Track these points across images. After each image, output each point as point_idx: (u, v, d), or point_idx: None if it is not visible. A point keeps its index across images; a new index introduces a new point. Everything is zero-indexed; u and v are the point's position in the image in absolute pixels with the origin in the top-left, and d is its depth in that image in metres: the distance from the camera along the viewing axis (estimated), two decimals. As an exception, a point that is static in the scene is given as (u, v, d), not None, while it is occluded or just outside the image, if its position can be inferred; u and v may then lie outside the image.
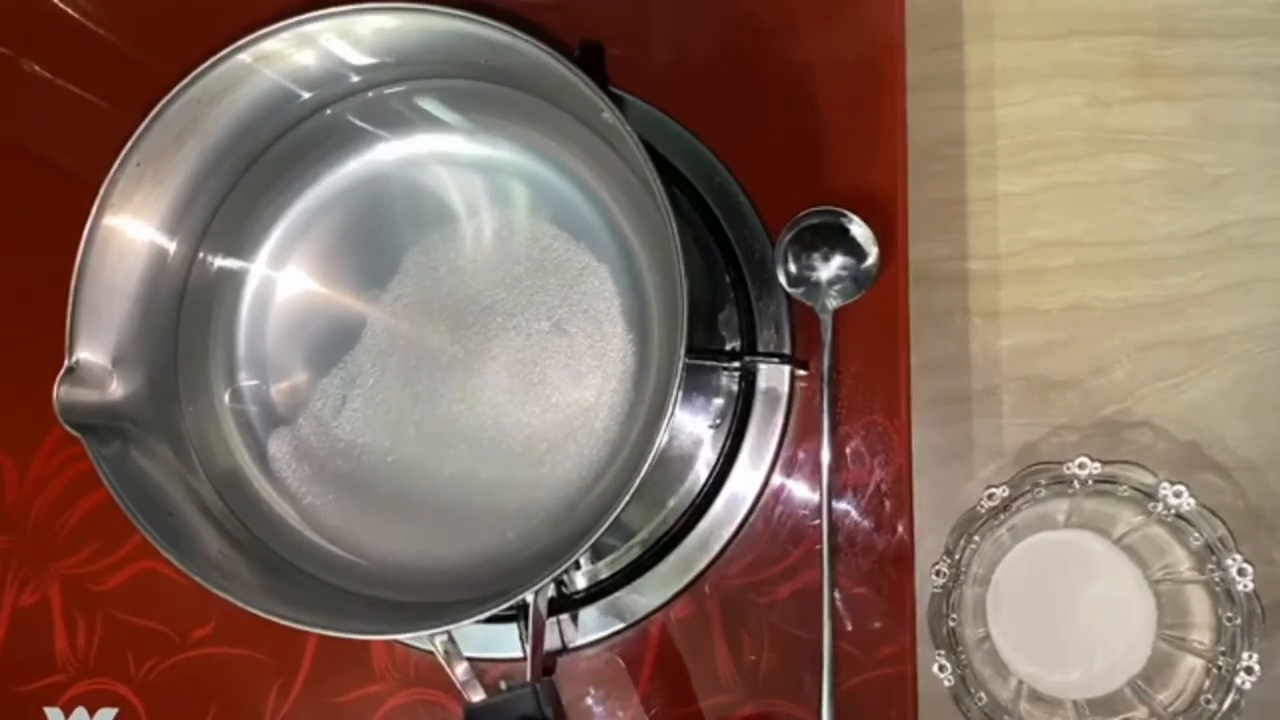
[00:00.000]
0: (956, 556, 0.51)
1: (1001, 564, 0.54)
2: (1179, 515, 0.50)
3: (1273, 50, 0.58)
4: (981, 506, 0.51)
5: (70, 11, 0.60)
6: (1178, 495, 0.50)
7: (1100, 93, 0.59)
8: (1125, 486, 0.51)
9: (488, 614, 0.41)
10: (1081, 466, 0.50)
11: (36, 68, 0.60)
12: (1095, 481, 0.51)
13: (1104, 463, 0.51)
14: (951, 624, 0.51)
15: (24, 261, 0.58)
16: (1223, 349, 0.57)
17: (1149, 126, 0.58)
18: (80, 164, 0.56)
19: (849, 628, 0.51)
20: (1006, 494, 0.51)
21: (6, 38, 0.60)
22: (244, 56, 0.42)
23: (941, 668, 0.50)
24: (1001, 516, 0.52)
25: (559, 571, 0.40)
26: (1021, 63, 0.59)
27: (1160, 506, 0.50)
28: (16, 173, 0.60)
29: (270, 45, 0.42)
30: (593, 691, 0.53)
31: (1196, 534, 0.50)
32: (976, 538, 0.51)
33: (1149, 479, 0.52)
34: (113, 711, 0.55)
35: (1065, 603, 0.53)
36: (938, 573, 0.51)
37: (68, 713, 0.55)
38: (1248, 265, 0.57)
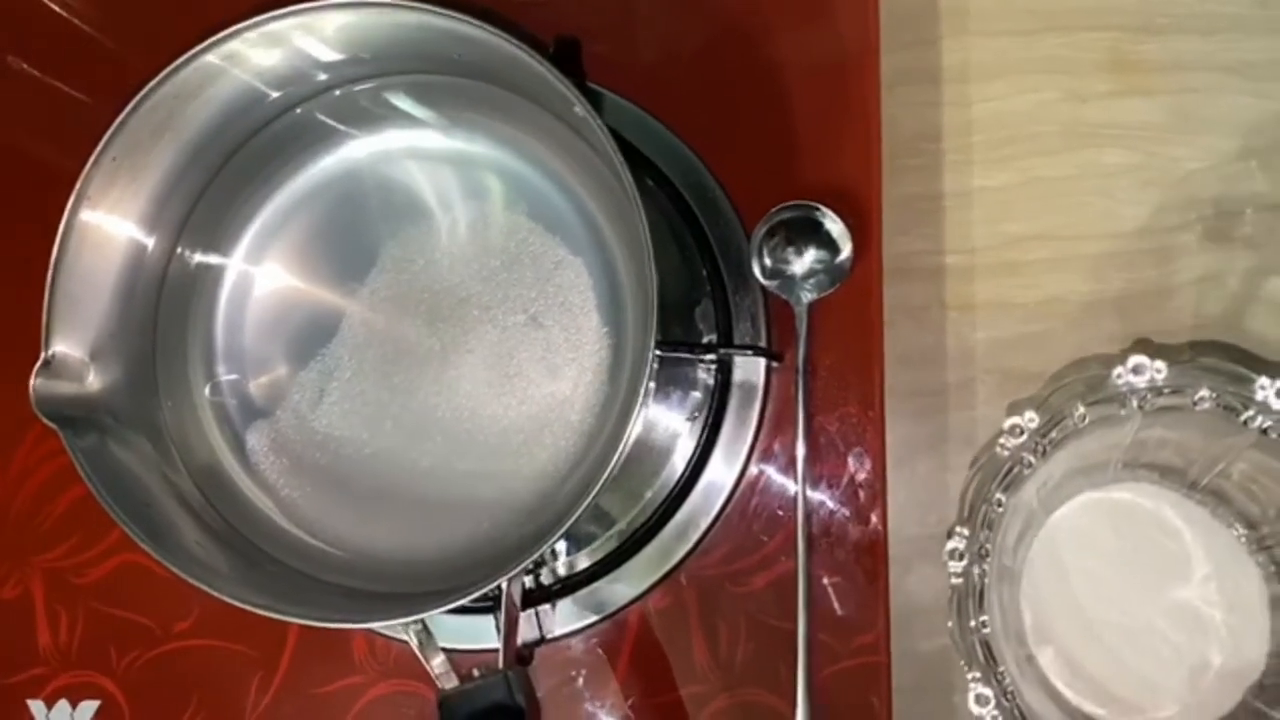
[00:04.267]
0: (977, 525, 0.38)
1: (1032, 546, 0.40)
2: None
3: (1246, 46, 0.59)
4: (1004, 446, 0.38)
5: (53, 7, 0.60)
6: None
7: (1076, 88, 0.59)
8: (1205, 396, 0.36)
9: (462, 603, 0.41)
10: (1138, 370, 0.36)
11: (24, 65, 0.60)
12: (1160, 393, 0.36)
13: (1171, 364, 0.36)
14: (984, 633, 0.37)
15: (4, 257, 0.57)
16: (1196, 342, 0.57)
17: (1124, 121, 0.59)
18: (61, 158, 0.56)
19: (824, 617, 0.52)
20: (1036, 424, 0.38)
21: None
22: (211, 57, 0.42)
23: (981, 699, 0.37)
24: (1031, 461, 0.38)
25: (530, 560, 0.41)
26: (998, 58, 0.60)
27: (1259, 417, 0.35)
28: (-2, 166, 0.60)
29: (236, 45, 0.42)
30: (571, 681, 0.53)
31: None
32: (1001, 495, 0.38)
33: (1233, 372, 0.36)
34: (95, 704, 0.55)
35: (1131, 598, 0.38)
36: (953, 554, 0.38)
37: (50, 705, 0.55)
38: (1220, 258, 0.58)
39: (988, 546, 0.38)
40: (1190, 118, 0.59)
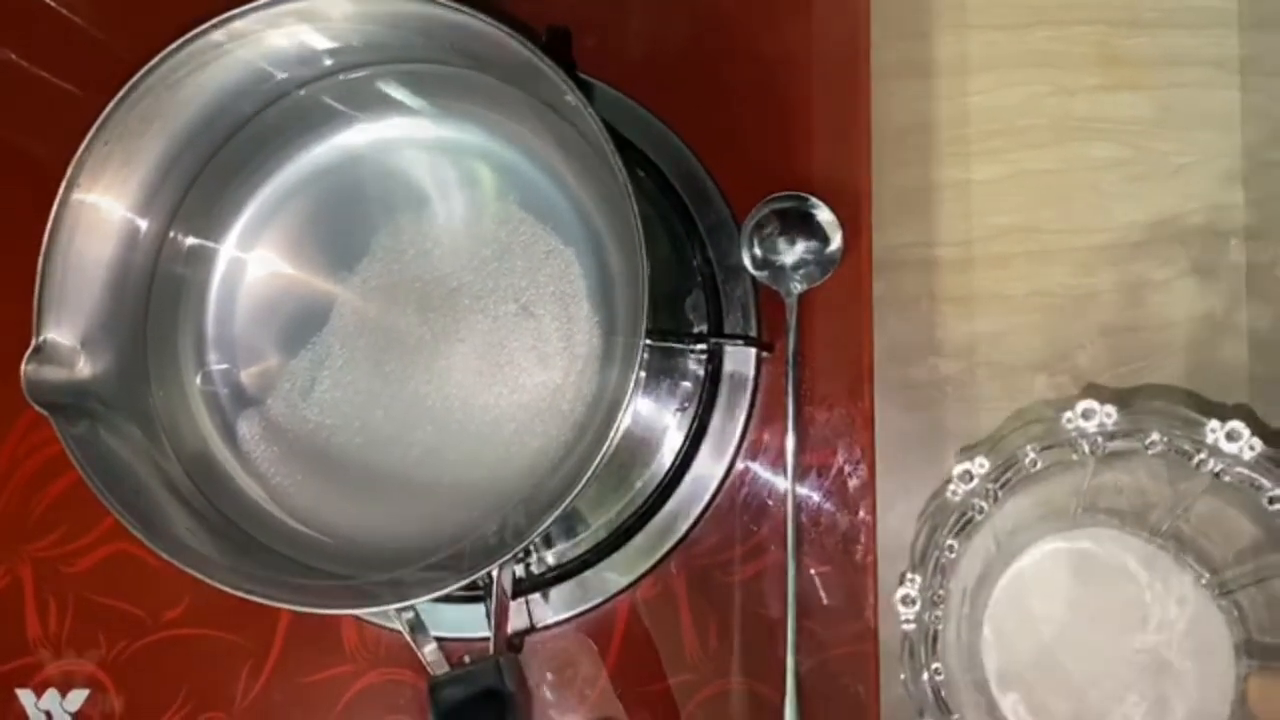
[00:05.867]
0: (929, 571, 0.38)
1: (994, 593, 0.41)
2: (1241, 470, 0.35)
3: (1233, 41, 0.59)
4: (955, 491, 0.39)
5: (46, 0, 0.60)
6: (1234, 438, 0.35)
7: (1065, 82, 0.60)
8: (1156, 440, 0.36)
9: (452, 591, 0.41)
10: (1087, 415, 0.36)
11: (12, 55, 0.60)
12: (1111, 438, 0.37)
13: (1121, 410, 0.37)
14: (938, 680, 0.38)
15: None
16: (1183, 335, 0.58)
17: (1113, 115, 0.59)
18: (51, 150, 0.56)
19: (813, 606, 0.52)
20: (986, 469, 0.39)
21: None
22: (203, 42, 0.43)
23: None
24: (983, 506, 0.39)
25: (520, 548, 0.41)
26: (988, 52, 0.60)
27: (1211, 461, 0.35)
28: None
29: (226, 31, 0.43)
30: (562, 669, 0.53)
31: (1276, 491, 0.35)
32: (952, 541, 0.39)
33: (1184, 416, 0.37)
34: (85, 693, 0.55)
35: (1096, 644, 0.39)
36: (905, 600, 0.39)
37: (40, 694, 0.56)
38: (1206, 252, 0.58)
39: (941, 593, 0.39)
40: (1177, 112, 0.59)
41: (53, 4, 0.60)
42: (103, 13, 0.60)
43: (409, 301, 0.51)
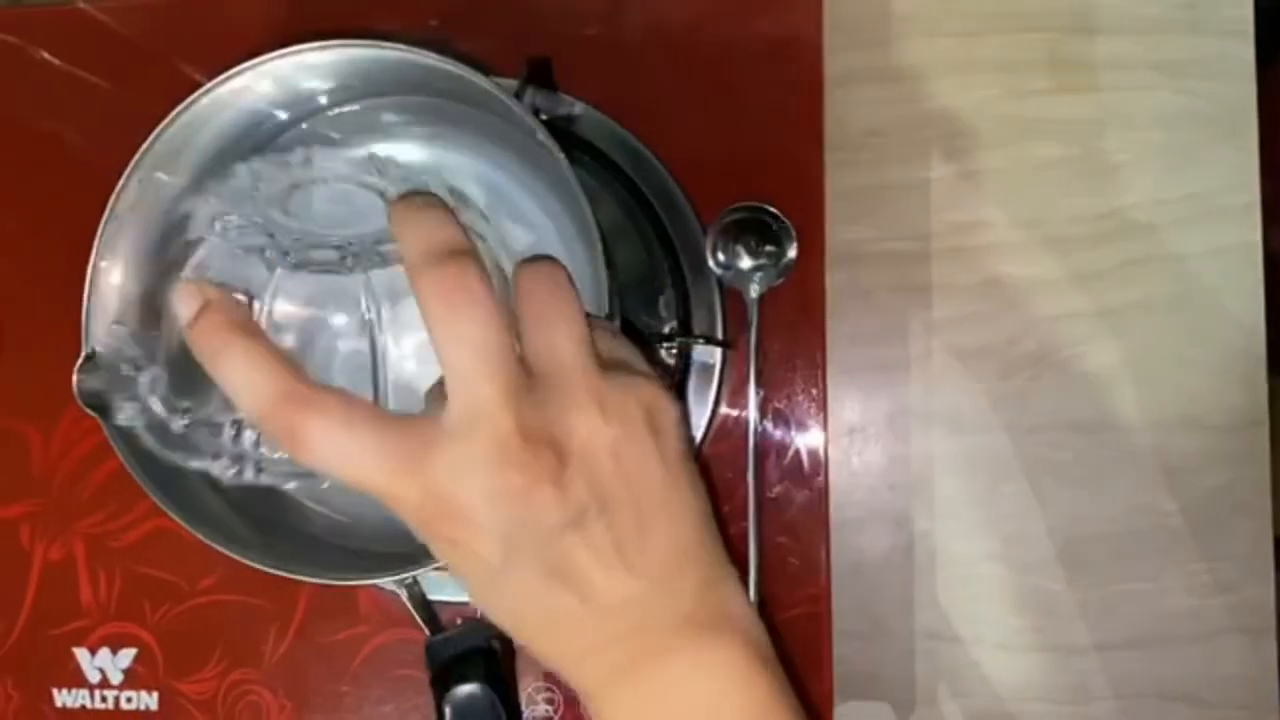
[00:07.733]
0: None
1: None
2: None
3: (1171, 45, 0.63)
4: None
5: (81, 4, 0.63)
6: None
7: (1015, 85, 0.64)
8: None
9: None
10: None
11: (44, 54, 0.63)
12: None
13: None
14: None
15: (41, 244, 0.62)
16: (1122, 320, 0.62)
17: (1058, 116, 0.63)
18: (87, 143, 0.61)
19: (774, 572, 0.57)
20: None
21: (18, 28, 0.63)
22: (220, 91, 0.46)
23: None
24: None
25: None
26: (943, 57, 0.64)
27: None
28: (32, 156, 0.63)
29: (241, 80, 0.46)
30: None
31: None
32: None
33: None
34: (133, 651, 0.60)
35: None
36: None
37: (94, 653, 0.60)
38: (1144, 244, 0.62)
39: None
40: (1118, 113, 0.63)
41: (83, 5, 0.63)
42: (129, 13, 0.62)
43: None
